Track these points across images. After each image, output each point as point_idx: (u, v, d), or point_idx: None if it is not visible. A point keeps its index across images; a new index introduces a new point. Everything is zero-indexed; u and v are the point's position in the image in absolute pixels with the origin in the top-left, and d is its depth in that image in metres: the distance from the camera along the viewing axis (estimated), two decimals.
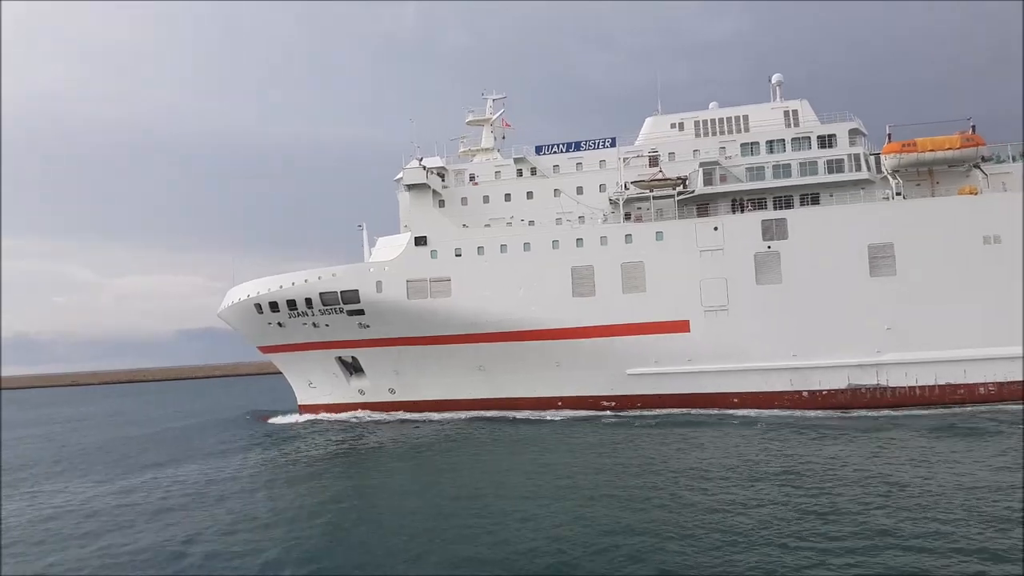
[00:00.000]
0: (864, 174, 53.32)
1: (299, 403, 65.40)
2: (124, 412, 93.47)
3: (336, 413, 61.72)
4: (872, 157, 54.46)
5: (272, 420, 63.40)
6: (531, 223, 58.27)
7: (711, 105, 60.18)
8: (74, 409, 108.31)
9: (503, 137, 65.85)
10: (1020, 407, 46.02)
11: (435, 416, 57.19)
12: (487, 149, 64.09)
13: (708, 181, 55.41)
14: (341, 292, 57.27)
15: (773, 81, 58.88)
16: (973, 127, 52.29)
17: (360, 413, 61.00)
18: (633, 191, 55.71)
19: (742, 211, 54.45)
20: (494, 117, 64.73)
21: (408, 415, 58.49)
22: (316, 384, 63.69)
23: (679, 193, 55.13)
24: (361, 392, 61.87)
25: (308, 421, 60.61)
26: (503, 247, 56.18)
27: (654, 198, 55.44)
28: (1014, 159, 53.64)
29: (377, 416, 59.75)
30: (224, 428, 61.13)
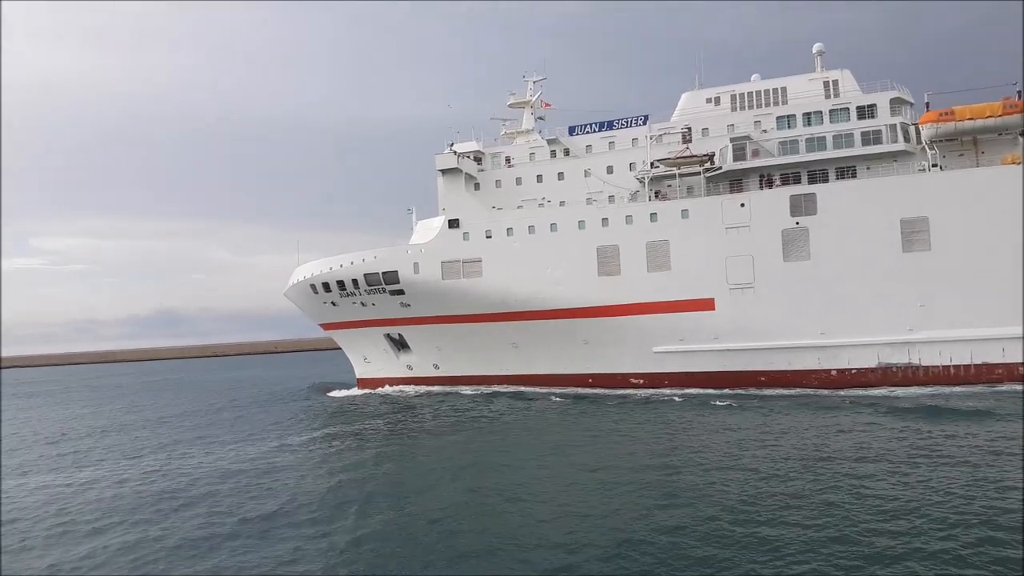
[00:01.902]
0: (901, 145, 50.89)
1: (357, 377, 69.74)
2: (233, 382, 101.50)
3: (390, 387, 65.54)
4: (913, 128, 51.81)
5: (331, 393, 68.21)
6: (562, 203, 59.30)
7: (753, 77, 58.81)
8: (207, 375, 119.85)
9: (541, 118, 66.75)
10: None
11: (468, 390, 59.90)
12: (527, 131, 65.28)
13: (739, 156, 54.46)
14: (383, 273, 60.57)
15: (814, 51, 56.79)
16: (1019, 92, 48.83)
17: (409, 387, 64.49)
18: (660, 169, 55.55)
19: (771, 187, 53.25)
20: (534, 99, 65.74)
21: (454, 388, 61.38)
22: (371, 360, 67.68)
23: (706, 170, 54.55)
24: (409, 367, 65.32)
25: (364, 395, 64.75)
26: (531, 228, 57.60)
27: (680, 175, 55.12)
28: None
29: (425, 389, 63.01)
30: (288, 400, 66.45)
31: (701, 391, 51.71)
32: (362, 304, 63.32)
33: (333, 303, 64.91)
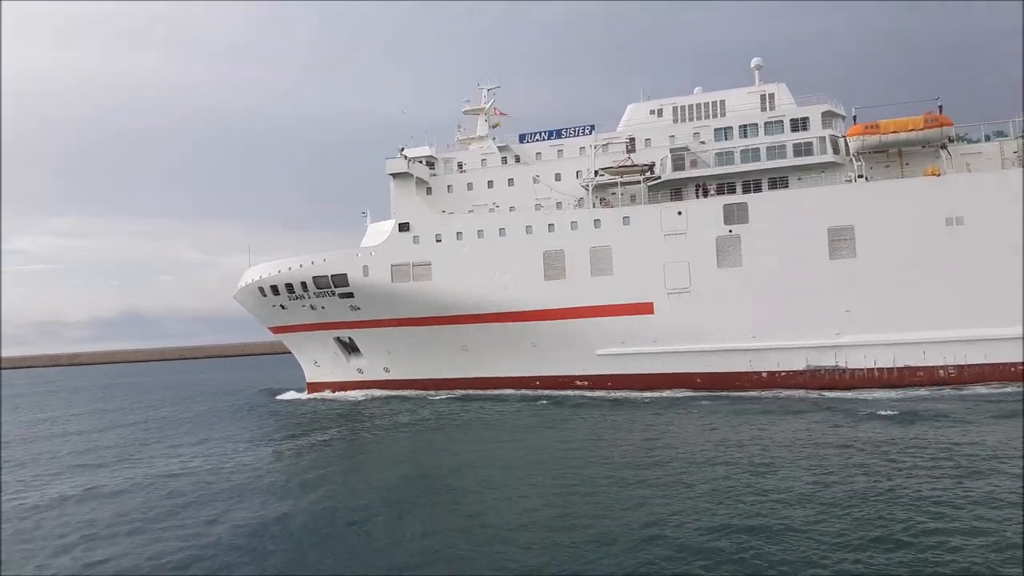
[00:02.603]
0: (830, 157, 53.46)
1: (307, 381, 70.13)
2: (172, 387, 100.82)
3: (339, 391, 66.06)
4: (843, 140, 54.46)
5: (280, 397, 68.62)
6: (512, 209, 60.76)
7: (696, 90, 61.10)
8: (170, 378, 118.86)
9: (495, 126, 68.23)
10: (983, 389, 46.20)
11: (418, 394, 60.75)
12: (481, 137, 66.68)
13: (678, 167, 56.59)
14: (331, 276, 61.30)
15: (752, 65, 59.30)
16: (940, 107, 51.74)
17: (360, 391, 65.07)
18: (604, 177, 57.39)
19: (707, 196, 55.44)
20: (487, 106, 67.22)
21: (402, 392, 62.12)
22: (321, 364, 68.17)
23: (647, 179, 56.56)
24: (360, 371, 65.98)
25: (314, 399, 65.15)
26: (480, 232, 58.95)
27: (622, 184, 57.03)
28: (987, 138, 52.74)
29: (376, 393, 63.69)
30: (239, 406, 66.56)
31: (694, 393, 52.55)
32: (311, 307, 63.91)
33: (282, 306, 65.37)
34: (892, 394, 46.72)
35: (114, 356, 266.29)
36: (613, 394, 53.97)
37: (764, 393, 50.44)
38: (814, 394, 48.94)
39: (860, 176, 51.92)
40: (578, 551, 18.56)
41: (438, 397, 58.43)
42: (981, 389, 46.52)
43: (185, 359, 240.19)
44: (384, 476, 29.86)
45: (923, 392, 47.07)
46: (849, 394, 48.11)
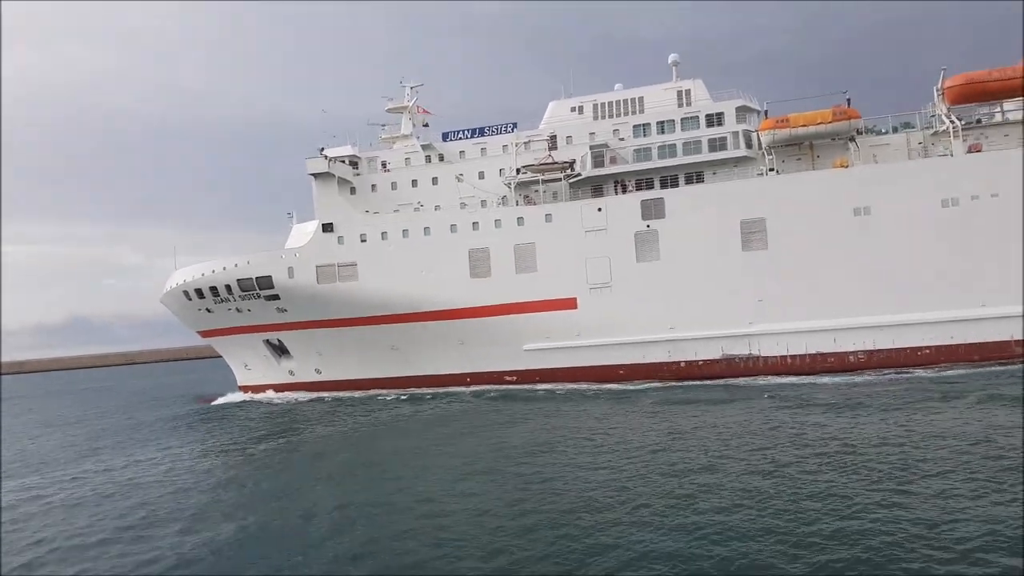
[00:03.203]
0: (743, 151, 54.84)
1: (238, 384, 69.43)
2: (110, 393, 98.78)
3: (272, 393, 65.53)
4: (756, 134, 55.86)
5: (215, 402, 67.78)
6: (437, 207, 60.92)
7: (616, 87, 61.90)
8: (113, 384, 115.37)
9: (425, 124, 68.25)
10: (891, 374, 47.94)
11: (352, 395, 60.71)
12: (406, 136, 66.57)
13: (598, 164, 57.44)
14: (256, 278, 60.72)
15: (670, 61, 60.33)
16: (848, 101, 53.43)
17: (292, 394, 64.63)
18: (526, 175, 57.92)
19: (625, 192, 56.41)
20: (411, 104, 67.12)
21: (337, 394, 61.90)
22: (251, 367, 67.52)
23: (567, 176, 57.27)
24: (291, 373, 65.54)
25: (246, 402, 64.53)
26: (405, 232, 59.02)
27: (543, 182, 57.65)
28: (895, 130, 54.68)
29: (308, 395, 63.25)
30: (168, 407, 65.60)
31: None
32: (238, 310, 63.23)
33: (208, 310, 64.52)
34: (837, 379, 47.44)
35: (62, 363, 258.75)
36: (549, 388, 54.72)
37: (715, 382, 50.92)
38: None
39: (772, 170, 53.35)
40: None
41: (388, 397, 57.96)
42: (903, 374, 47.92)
43: (134, 364, 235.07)
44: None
45: (869, 376, 47.87)
46: (794, 379, 49.21)
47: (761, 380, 50.16)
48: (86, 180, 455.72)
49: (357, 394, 60.82)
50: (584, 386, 53.82)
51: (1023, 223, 48.16)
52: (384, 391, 60.49)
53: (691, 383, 51.32)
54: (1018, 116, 51.99)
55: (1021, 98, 51.49)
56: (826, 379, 48.00)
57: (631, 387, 52.05)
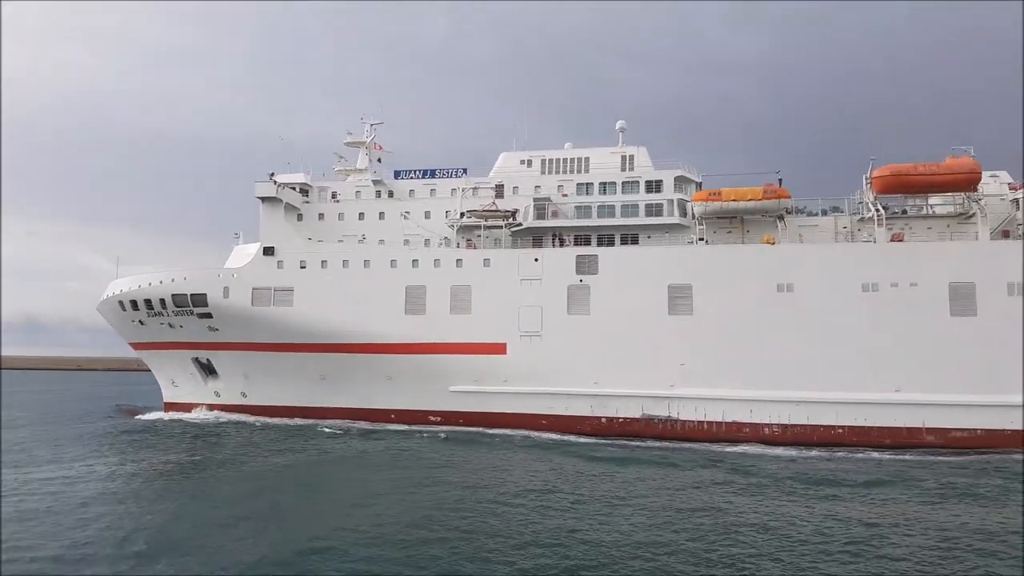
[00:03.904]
0: (677, 219, 56.59)
1: (164, 401, 68.37)
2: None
3: (196, 412, 64.50)
4: (690, 204, 57.70)
5: (138, 416, 66.54)
6: (381, 242, 61.60)
7: (566, 145, 63.77)
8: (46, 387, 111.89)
9: (379, 160, 69.41)
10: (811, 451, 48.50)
11: (274, 421, 59.91)
12: (361, 170, 67.58)
13: (540, 215, 58.81)
14: (191, 295, 60.50)
15: (617, 127, 62.45)
16: (780, 180, 55.63)
17: (215, 414, 63.69)
18: (469, 219, 59.02)
19: (562, 245, 57.68)
20: (368, 140, 68.34)
21: (257, 419, 61.04)
22: (178, 384, 66.67)
23: (508, 225, 58.48)
24: (217, 394, 64.80)
25: (169, 420, 63.33)
26: (345, 262, 59.47)
27: (486, 227, 58.77)
28: (824, 213, 56.85)
29: (232, 418, 62.30)
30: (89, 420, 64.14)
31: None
32: (170, 325, 62.78)
33: (141, 322, 63.98)
34: (792, 452, 47.57)
35: (8, 362, 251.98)
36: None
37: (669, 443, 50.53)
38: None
39: (701, 239, 54.99)
40: None
41: (325, 427, 57.30)
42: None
43: (82, 370, 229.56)
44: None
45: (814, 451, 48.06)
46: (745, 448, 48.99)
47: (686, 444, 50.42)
48: (41, 176, 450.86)
49: (276, 420, 60.08)
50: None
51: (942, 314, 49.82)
52: (309, 420, 59.93)
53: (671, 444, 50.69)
54: (944, 211, 54.47)
55: (947, 194, 53.99)
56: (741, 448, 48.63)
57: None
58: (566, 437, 52.47)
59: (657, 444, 50.38)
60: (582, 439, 52.07)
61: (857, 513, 28.60)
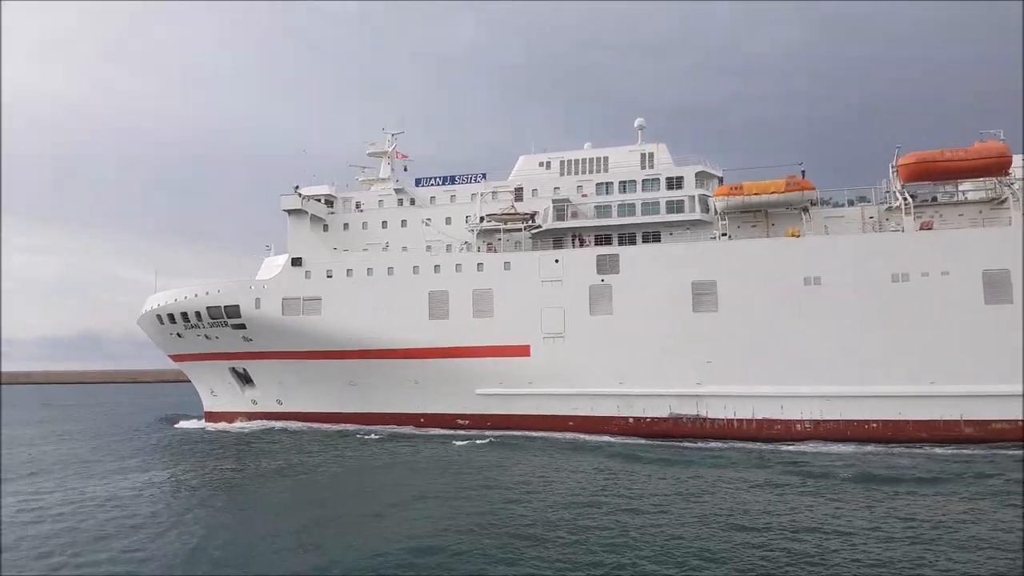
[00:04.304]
0: (698, 215, 55.89)
1: (205, 410, 70.36)
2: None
3: (235, 421, 66.30)
4: (711, 199, 56.92)
5: (177, 424, 68.87)
6: (404, 249, 62.32)
7: (585, 146, 63.60)
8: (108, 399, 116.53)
9: (404, 168, 70.28)
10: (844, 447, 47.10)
11: (309, 427, 61.21)
12: (384, 179, 68.50)
13: (559, 217, 58.73)
14: (224, 307, 62.12)
15: (636, 125, 61.96)
16: (803, 172, 54.52)
17: (254, 423, 65.33)
18: (489, 223, 59.30)
19: (583, 246, 57.50)
20: (390, 150, 69.20)
21: (294, 424, 62.59)
22: (217, 393, 68.53)
23: (527, 227, 58.57)
24: (254, 402, 66.42)
25: (208, 428, 65.21)
26: (369, 270, 60.35)
27: (505, 231, 58.96)
28: (851, 203, 55.49)
29: (270, 425, 63.77)
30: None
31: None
32: (206, 337, 64.54)
33: (179, 334, 65.92)
34: (848, 447, 46.46)
35: (67, 376, 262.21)
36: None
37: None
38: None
39: (724, 235, 54.20)
40: None
41: (331, 429, 58.45)
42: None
43: (137, 382, 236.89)
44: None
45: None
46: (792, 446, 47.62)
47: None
48: (111, 196, 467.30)
49: (313, 426, 61.29)
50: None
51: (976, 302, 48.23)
52: (342, 425, 61.02)
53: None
54: (976, 196, 52.67)
55: (979, 179, 52.20)
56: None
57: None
58: (606, 438, 51.88)
59: (704, 444, 49.38)
60: (620, 439, 51.63)
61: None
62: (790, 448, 47.10)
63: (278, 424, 63.65)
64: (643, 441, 50.82)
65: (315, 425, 61.80)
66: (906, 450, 45.65)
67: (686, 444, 49.56)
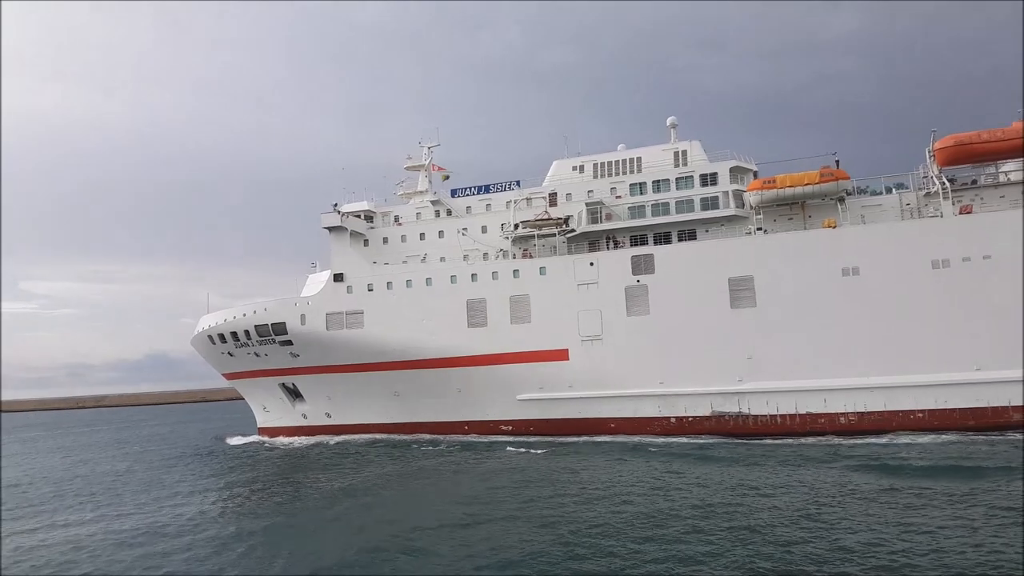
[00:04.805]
0: (733, 210, 55.71)
1: (258, 426, 72.49)
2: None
3: (288, 436, 68.22)
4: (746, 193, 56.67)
5: (229, 440, 71.15)
6: (442, 259, 63.47)
7: (619, 147, 63.97)
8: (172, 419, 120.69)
9: (445, 178, 71.46)
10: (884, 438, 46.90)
11: (358, 438, 62.68)
12: (421, 192, 69.87)
13: (593, 220, 59.16)
14: (271, 324, 64.06)
15: (668, 123, 62.10)
16: (837, 162, 53.91)
17: (306, 437, 67.02)
18: (523, 230, 60.05)
19: (617, 247, 57.80)
20: (427, 163, 70.57)
21: (344, 436, 64.16)
22: (269, 409, 70.58)
23: (562, 232, 59.12)
24: (304, 416, 68.24)
25: (260, 443, 67.26)
26: (408, 282, 61.62)
27: (540, 236, 59.61)
28: (888, 191, 54.70)
29: (323, 439, 65.05)
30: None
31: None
32: (256, 354, 66.58)
33: (230, 353, 68.14)
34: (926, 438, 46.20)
35: (139, 399, 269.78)
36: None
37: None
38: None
39: (760, 229, 53.93)
40: None
41: (377, 439, 59.57)
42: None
43: (208, 401, 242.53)
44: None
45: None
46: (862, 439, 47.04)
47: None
48: (167, 222, 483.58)
49: (365, 437, 62.74)
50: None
51: (1020, 285, 47.20)
52: (390, 435, 62.30)
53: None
54: (1017, 177, 51.45)
55: (1020, 159, 50.99)
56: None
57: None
58: (667, 440, 51.74)
59: (775, 441, 49.06)
60: (675, 439, 51.56)
61: None
62: (860, 441, 46.33)
63: (328, 438, 64.93)
64: (708, 440, 50.59)
65: (367, 436, 63.06)
66: (984, 437, 44.71)
67: (754, 441, 49.15)
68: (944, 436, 46.47)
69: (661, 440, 51.58)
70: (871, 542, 22.75)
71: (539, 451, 50.10)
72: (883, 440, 46.60)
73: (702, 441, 50.54)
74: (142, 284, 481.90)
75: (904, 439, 46.45)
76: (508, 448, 51.57)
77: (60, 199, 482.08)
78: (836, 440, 47.80)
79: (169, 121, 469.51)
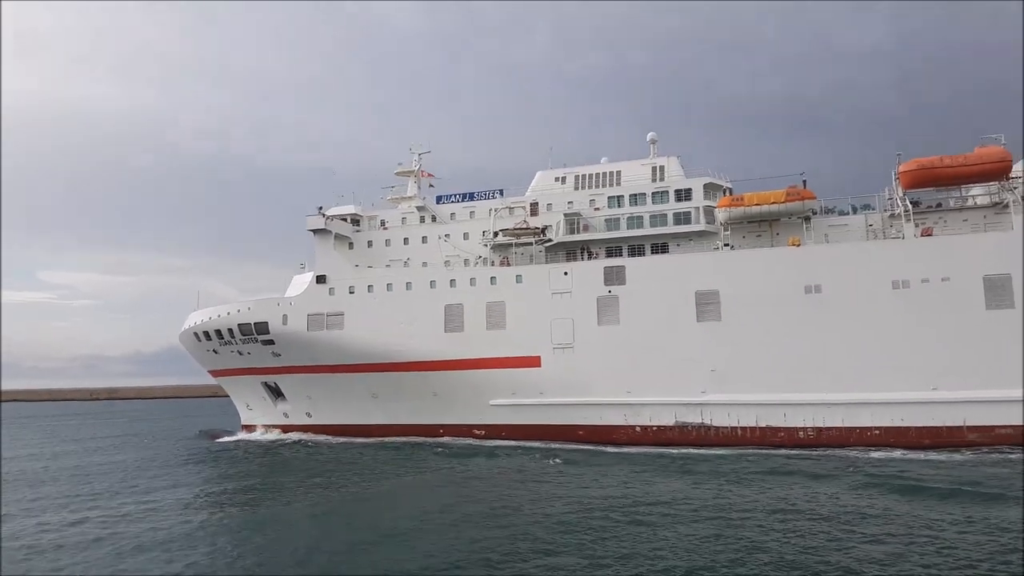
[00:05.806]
0: (703, 225, 57.20)
1: (241, 423, 73.97)
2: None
3: (269, 433, 69.61)
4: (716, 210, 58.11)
5: (217, 439, 72.37)
6: (424, 264, 65.05)
7: (602, 160, 65.61)
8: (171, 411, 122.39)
9: (431, 185, 73.27)
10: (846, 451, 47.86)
11: (337, 440, 63.94)
12: (410, 197, 71.52)
13: (571, 230, 60.70)
14: (254, 324, 65.64)
15: (648, 139, 63.71)
16: (804, 182, 55.35)
17: (287, 434, 68.42)
18: (502, 238, 61.62)
19: (591, 258, 59.29)
20: (416, 169, 72.28)
21: (323, 436, 65.41)
22: (252, 407, 72.07)
23: (539, 241, 60.67)
24: (286, 415, 69.68)
25: (244, 441, 68.50)
26: (389, 285, 63.16)
27: (518, 245, 61.17)
28: (854, 211, 56.10)
29: (301, 437, 66.56)
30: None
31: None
32: (239, 353, 68.14)
33: (215, 351, 69.70)
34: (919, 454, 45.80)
35: (152, 392, 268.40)
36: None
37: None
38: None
39: (727, 245, 55.37)
40: None
41: (355, 441, 60.76)
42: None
43: (218, 396, 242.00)
44: None
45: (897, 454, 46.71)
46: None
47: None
48: (185, 215, 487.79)
49: (343, 439, 64.04)
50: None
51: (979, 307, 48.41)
52: (368, 438, 63.51)
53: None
54: (984, 201, 52.79)
55: (981, 184, 52.34)
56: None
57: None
58: (656, 449, 52.04)
59: (774, 451, 49.46)
60: (671, 451, 51.41)
61: None
62: (893, 455, 46.20)
63: (307, 436, 66.07)
64: (711, 452, 49.99)
65: (345, 438, 64.10)
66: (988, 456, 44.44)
67: (767, 452, 48.97)
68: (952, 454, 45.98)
69: (675, 451, 50.57)
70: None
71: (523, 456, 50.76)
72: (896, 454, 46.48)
73: (719, 453, 49.22)
74: (168, 276, 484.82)
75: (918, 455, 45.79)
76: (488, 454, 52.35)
77: (75, 187, 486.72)
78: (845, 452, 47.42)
79: (202, 117, 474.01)
